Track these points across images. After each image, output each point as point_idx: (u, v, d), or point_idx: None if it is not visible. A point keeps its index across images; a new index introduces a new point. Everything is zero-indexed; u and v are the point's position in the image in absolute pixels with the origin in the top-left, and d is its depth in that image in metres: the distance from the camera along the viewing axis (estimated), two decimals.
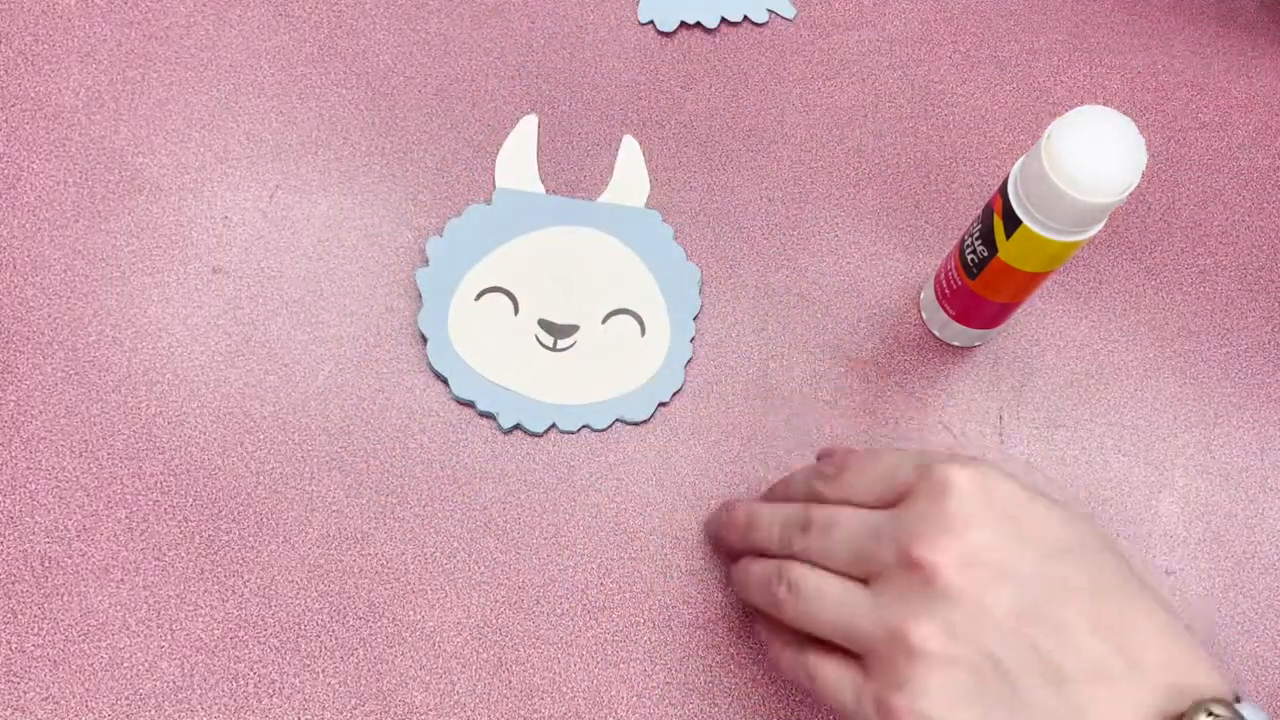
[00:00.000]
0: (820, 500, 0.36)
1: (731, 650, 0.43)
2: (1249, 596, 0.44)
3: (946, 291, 0.44)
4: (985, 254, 0.40)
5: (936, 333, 0.46)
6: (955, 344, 0.47)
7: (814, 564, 0.35)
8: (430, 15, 0.51)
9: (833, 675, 0.34)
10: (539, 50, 0.51)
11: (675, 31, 0.52)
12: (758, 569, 0.37)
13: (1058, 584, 0.31)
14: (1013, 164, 0.50)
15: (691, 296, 0.47)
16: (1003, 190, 0.38)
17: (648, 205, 0.49)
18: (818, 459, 0.41)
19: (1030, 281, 0.40)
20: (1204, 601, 0.44)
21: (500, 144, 0.49)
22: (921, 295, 0.47)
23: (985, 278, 0.41)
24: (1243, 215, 0.50)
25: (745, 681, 0.42)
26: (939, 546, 0.31)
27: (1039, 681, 0.30)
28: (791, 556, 0.36)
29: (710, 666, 0.42)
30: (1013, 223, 0.38)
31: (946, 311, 0.45)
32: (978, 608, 0.30)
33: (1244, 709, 0.30)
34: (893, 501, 0.34)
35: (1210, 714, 0.29)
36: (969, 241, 0.41)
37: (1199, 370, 0.47)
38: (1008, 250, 0.39)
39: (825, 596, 0.34)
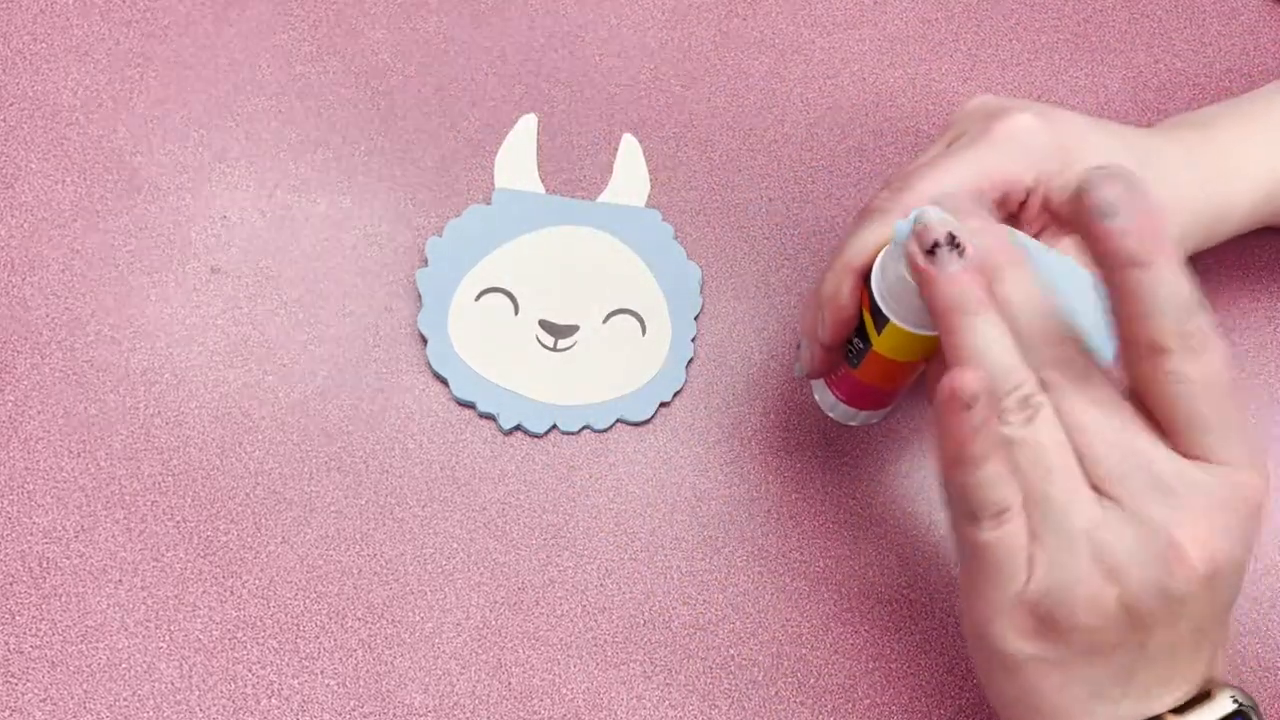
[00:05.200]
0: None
1: (731, 652, 0.43)
2: (1249, 597, 0.44)
3: (833, 377, 0.43)
4: (861, 346, 0.38)
5: (829, 413, 0.45)
6: (851, 424, 0.45)
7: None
8: (430, 15, 0.51)
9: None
10: (539, 50, 0.51)
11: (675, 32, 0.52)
12: None
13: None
14: None
15: (692, 296, 0.47)
16: (867, 285, 0.36)
17: (648, 205, 0.49)
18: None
19: (913, 367, 0.39)
20: None
21: (500, 144, 0.49)
22: (812, 381, 0.46)
23: (866, 367, 0.39)
24: None
25: (745, 683, 0.42)
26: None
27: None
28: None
29: (710, 668, 0.42)
30: (880, 319, 0.36)
31: (835, 394, 0.43)
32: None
33: None
34: None
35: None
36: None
37: None
38: (881, 344, 0.37)
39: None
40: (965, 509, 0.31)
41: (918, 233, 0.31)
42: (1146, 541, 0.30)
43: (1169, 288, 0.29)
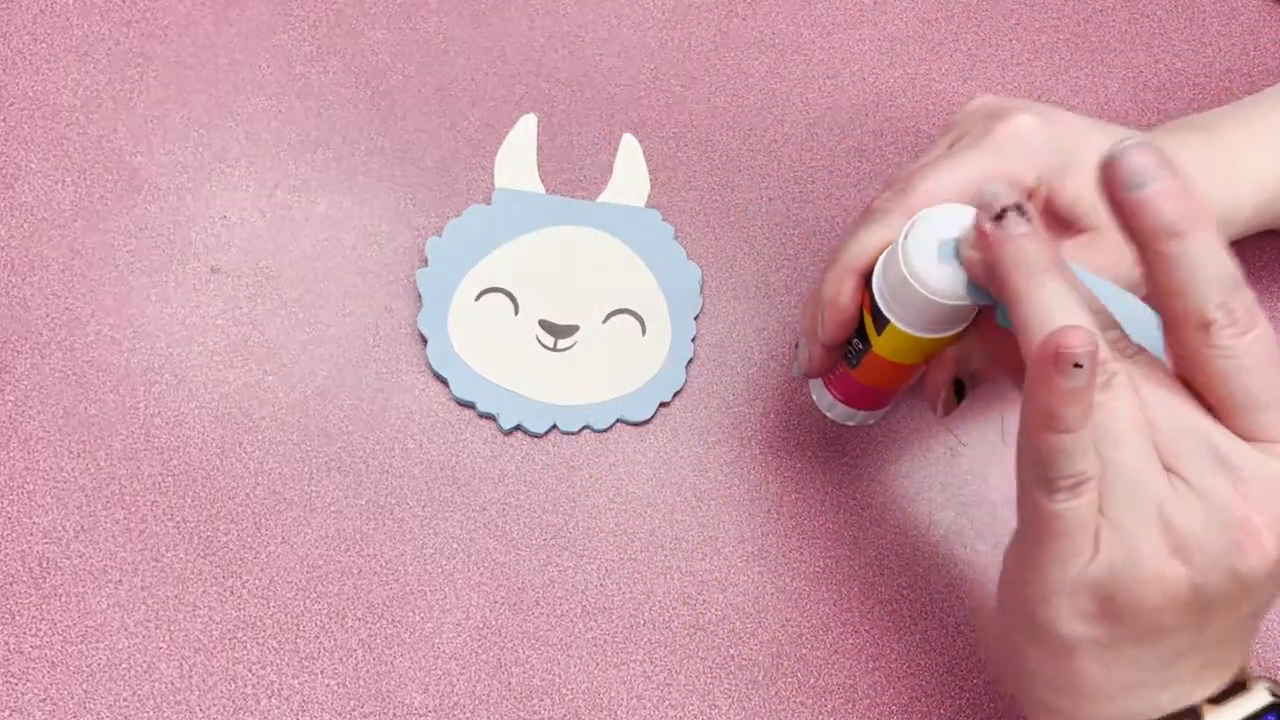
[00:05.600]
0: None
1: (731, 652, 0.43)
2: None
3: (831, 377, 0.42)
4: (861, 347, 0.38)
5: (826, 413, 0.44)
6: (849, 424, 0.44)
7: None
8: (430, 15, 0.51)
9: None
10: (539, 50, 0.51)
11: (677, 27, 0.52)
12: None
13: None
14: None
15: (692, 295, 0.47)
16: (868, 286, 0.36)
17: (648, 205, 0.49)
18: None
19: (913, 369, 0.38)
20: None
21: (500, 144, 0.49)
22: (810, 381, 0.45)
23: (865, 369, 0.39)
24: None
25: (745, 683, 0.42)
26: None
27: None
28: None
29: (710, 668, 0.42)
30: (881, 321, 0.36)
31: (833, 394, 0.42)
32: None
33: None
34: None
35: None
36: None
37: None
38: (881, 345, 0.37)
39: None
40: (1042, 475, 0.29)
41: (985, 203, 0.31)
42: (1218, 520, 0.29)
43: (1210, 256, 0.29)
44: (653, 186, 0.49)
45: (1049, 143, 0.37)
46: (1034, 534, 0.31)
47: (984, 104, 0.40)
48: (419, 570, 0.43)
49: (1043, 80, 0.52)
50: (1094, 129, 0.39)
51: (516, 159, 0.49)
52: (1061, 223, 0.38)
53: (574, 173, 0.49)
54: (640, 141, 0.50)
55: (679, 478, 0.45)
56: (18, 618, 0.42)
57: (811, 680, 0.42)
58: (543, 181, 0.49)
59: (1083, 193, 0.37)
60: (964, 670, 0.43)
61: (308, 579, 0.43)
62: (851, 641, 0.43)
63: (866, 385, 0.40)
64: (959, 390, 0.38)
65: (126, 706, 0.41)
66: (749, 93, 0.51)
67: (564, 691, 0.42)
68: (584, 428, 0.45)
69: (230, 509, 0.43)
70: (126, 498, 0.43)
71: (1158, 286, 0.30)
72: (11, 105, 0.48)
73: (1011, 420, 0.46)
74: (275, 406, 0.45)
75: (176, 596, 0.42)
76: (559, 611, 0.43)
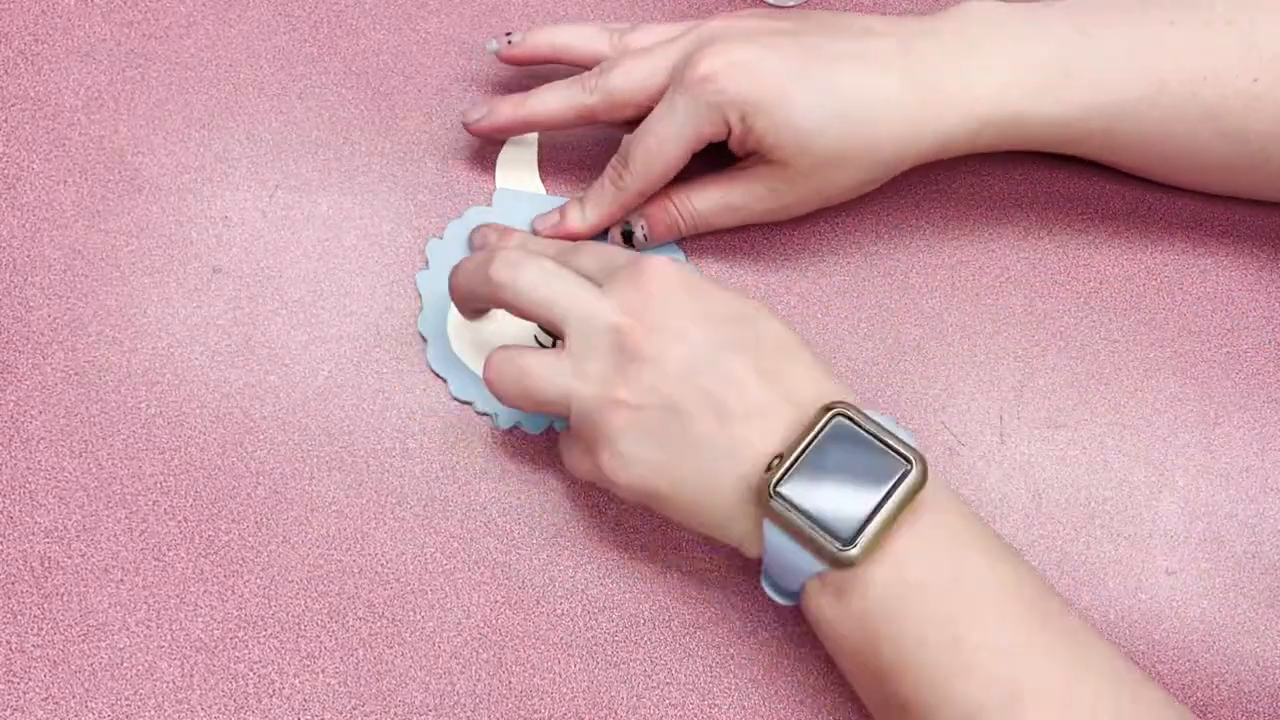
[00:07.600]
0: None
1: (731, 650, 0.43)
2: (1249, 596, 0.44)
3: None
4: None
5: None
6: None
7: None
8: (430, 15, 0.51)
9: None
10: None
11: None
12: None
13: (727, 342, 0.38)
14: (1016, 162, 0.50)
15: None
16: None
17: None
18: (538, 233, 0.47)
19: None
20: (1204, 601, 0.44)
21: (500, 144, 0.49)
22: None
23: None
24: (1243, 215, 0.50)
25: (745, 681, 0.42)
26: (632, 313, 0.38)
27: (709, 418, 0.37)
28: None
29: (710, 666, 0.42)
30: None
31: None
32: (658, 364, 0.37)
33: (869, 411, 0.37)
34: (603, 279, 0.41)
35: (829, 409, 0.37)
36: None
37: (1199, 370, 0.47)
38: None
39: (529, 363, 0.40)
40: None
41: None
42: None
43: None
44: None
45: (744, 90, 0.42)
46: None
47: (709, 32, 0.44)
48: (419, 569, 0.43)
49: None
50: (799, 75, 0.42)
51: (517, 159, 0.49)
52: (751, 153, 0.44)
53: (574, 173, 0.49)
54: None
55: None
56: (19, 617, 0.42)
57: (811, 679, 0.42)
58: (543, 182, 0.49)
59: (764, 137, 0.42)
60: None
61: (308, 578, 0.43)
62: None
63: None
64: (627, 236, 0.47)
65: (128, 705, 0.41)
66: None
67: (564, 690, 0.42)
68: None
69: (231, 508, 0.43)
70: (128, 497, 0.43)
71: None
72: (13, 106, 0.49)
73: (1010, 420, 0.46)
74: (276, 406, 0.45)
75: (178, 596, 0.42)
76: (559, 611, 0.43)
